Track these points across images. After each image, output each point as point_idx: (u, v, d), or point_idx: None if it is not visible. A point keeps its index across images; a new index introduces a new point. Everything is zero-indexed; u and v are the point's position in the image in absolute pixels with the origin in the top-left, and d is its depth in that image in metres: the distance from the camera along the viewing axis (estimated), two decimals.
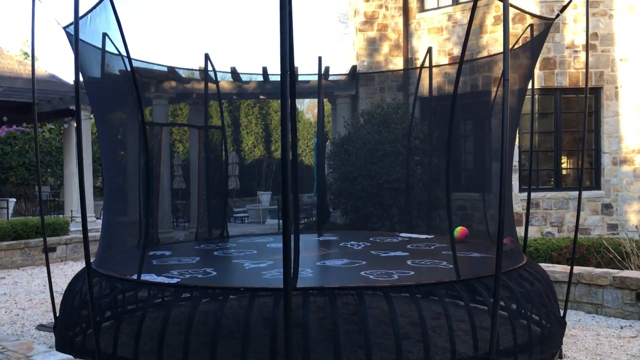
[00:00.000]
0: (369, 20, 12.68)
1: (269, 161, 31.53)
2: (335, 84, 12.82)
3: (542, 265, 7.13)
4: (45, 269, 4.31)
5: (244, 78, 12.56)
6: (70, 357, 3.80)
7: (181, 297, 4.31)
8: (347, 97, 12.84)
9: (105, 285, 4.48)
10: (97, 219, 14.56)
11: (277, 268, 5.02)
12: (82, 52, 5.10)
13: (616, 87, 11.22)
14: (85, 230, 3.75)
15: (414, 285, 4.12)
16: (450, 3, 12.03)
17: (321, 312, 4.74)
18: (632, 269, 7.18)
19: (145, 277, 4.42)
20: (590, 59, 11.17)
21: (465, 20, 11.70)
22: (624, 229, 11.03)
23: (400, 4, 12.47)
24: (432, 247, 6.10)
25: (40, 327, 6.19)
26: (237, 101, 30.33)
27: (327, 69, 12.24)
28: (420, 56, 12.37)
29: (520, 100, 6.30)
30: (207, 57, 7.73)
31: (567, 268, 6.84)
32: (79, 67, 3.85)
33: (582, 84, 11.16)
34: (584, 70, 10.93)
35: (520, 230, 10.82)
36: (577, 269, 6.75)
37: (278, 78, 13.51)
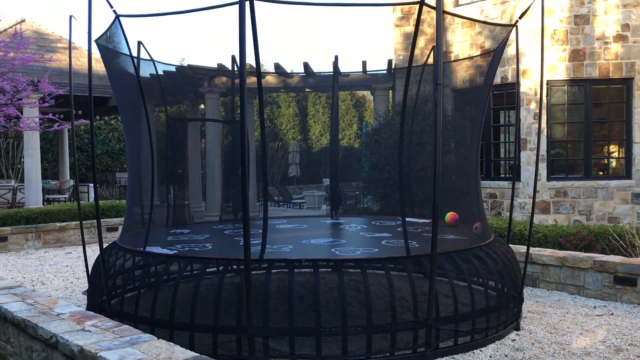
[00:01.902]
0: (406, 15, 13.21)
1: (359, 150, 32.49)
2: (374, 77, 13.45)
3: (538, 249, 7.60)
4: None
5: (287, 72, 13.42)
6: (81, 308, 4.81)
7: (178, 266, 5.22)
8: (384, 89, 13.46)
9: (120, 255, 5.48)
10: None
11: (273, 245, 5.87)
12: (123, 59, 6.13)
13: None
14: (98, 217, 4.71)
15: (363, 259, 4.84)
16: None
17: (284, 281, 5.52)
18: (634, 256, 7.47)
19: (150, 249, 5.37)
20: (621, 49, 11.27)
21: (496, 14, 12.04)
22: None
23: None
24: (419, 230, 6.73)
25: (85, 292, 7.34)
26: (305, 92, 31.28)
27: (364, 63, 12.90)
28: (455, 49, 12.80)
29: (482, 100, 6.77)
30: (233, 58, 8.62)
31: (555, 252, 7.30)
32: (91, 79, 4.79)
33: (612, 75, 11.29)
34: (615, 61, 11.12)
35: (547, 218, 11.20)
36: (563, 253, 7.20)
37: (322, 72, 14.30)
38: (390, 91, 14.14)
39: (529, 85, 11.51)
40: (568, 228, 8.75)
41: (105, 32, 5.68)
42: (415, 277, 5.12)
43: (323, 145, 33.86)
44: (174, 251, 5.33)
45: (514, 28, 6.31)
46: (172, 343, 3.85)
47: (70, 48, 5.70)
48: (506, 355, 4.90)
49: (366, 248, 5.50)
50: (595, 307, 6.40)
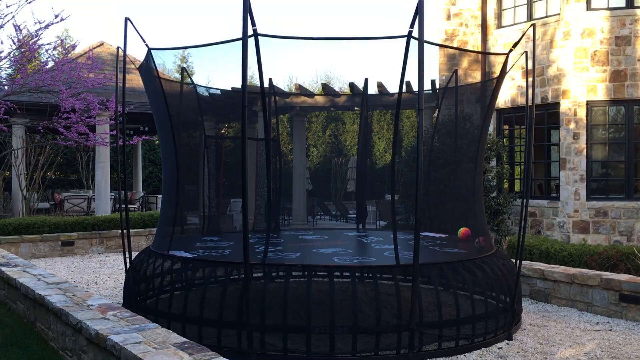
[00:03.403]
0: (449, 37, 13.58)
1: (398, 167, 32.71)
2: (415, 96, 13.86)
3: (551, 266, 7.82)
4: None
5: (329, 92, 14.06)
6: (109, 301, 5.57)
7: (197, 268, 5.91)
8: (428, 109, 13.84)
9: (147, 258, 6.23)
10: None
11: (283, 252, 6.47)
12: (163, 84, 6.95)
13: None
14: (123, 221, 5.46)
15: (353, 267, 5.36)
16: (525, 19, 12.59)
17: (281, 284, 6.06)
18: None
19: (174, 252, 6.10)
20: None
21: (538, 36, 12.21)
22: None
23: (480, 21, 13.25)
24: (428, 243, 7.14)
25: None
26: (387, 110, 31.92)
27: (408, 83, 13.35)
28: (497, 70, 13.03)
29: (487, 117, 7.11)
30: (270, 81, 9.33)
31: (567, 269, 7.51)
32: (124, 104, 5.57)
33: None
34: None
35: (586, 238, 11.25)
36: (573, 270, 7.40)
37: (368, 91, 14.84)
38: (437, 110, 14.48)
39: (568, 106, 11.62)
40: (596, 247, 8.84)
41: (143, 62, 6.50)
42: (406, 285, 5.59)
43: (387, 161, 34.22)
44: (194, 255, 6.02)
45: (511, 55, 6.60)
46: (170, 331, 4.51)
47: (125, 50, 6.30)
48: None
49: (365, 257, 6.00)
50: (597, 323, 6.59)
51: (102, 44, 19.33)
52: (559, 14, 11.86)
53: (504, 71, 7.21)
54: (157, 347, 4.06)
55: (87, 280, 9.25)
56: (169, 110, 6.45)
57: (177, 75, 32.93)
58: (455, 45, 13.58)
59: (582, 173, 11.51)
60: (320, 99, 14.37)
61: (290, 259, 5.91)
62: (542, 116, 12.30)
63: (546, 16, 12.22)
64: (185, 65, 33.81)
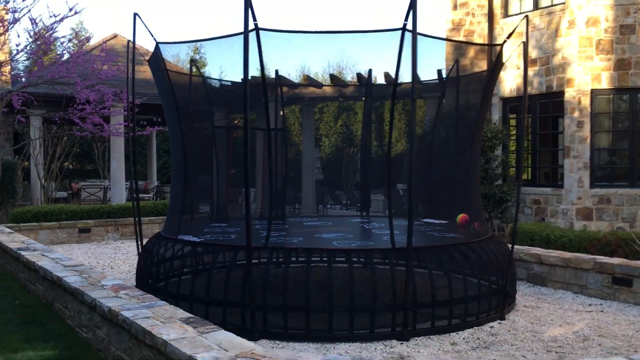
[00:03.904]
0: (456, 27, 13.74)
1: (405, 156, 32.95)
2: (425, 86, 14.06)
3: (548, 251, 8.06)
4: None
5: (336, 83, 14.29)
6: (121, 282, 5.92)
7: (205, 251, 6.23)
8: (435, 98, 14.02)
9: (157, 243, 6.57)
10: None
11: (286, 237, 6.78)
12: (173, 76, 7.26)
13: None
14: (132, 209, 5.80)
15: (350, 250, 5.65)
16: (531, 8, 12.71)
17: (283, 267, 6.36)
18: None
19: (183, 237, 6.42)
20: None
21: (543, 25, 12.35)
22: None
23: (486, 10, 13.40)
24: (427, 229, 7.41)
25: None
26: (397, 100, 32.01)
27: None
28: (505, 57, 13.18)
29: (482, 109, 7.31)
30: (276, 72, 9.60)
31: (563, 254, 7.74)
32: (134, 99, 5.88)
33: None
34: None
35: (590, 225, 11.45)
36: (569, 255, 7.63)
37: (375, 81, 15.05)
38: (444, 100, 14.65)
39: (572, 94, 11.76)
40: (596, 234, 9.04)
41: (152, 55, 6.81)
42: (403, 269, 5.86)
43: (398, 151, 34.36)
44: (201, 239, 6.34)
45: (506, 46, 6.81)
46: (177, 308, 4.84)
47: (134, 44, 6.65)
48: (478, 339, 5.53)
49: (364, 242, 6.29)
50: (590, 304, 6.83)
51: (115, 36, 19.68)
52: (564, 3, 11.98)
53: (499, 62, 7.40)
54: (164, 322, 4.39)
55: (102, 265, 9.63)
56: (177, 101, 6.77)
57: (189, 66, 33.25)
58: (461, 34, 13.75)
59: (585, 161, 11.67)
60: (328, 90, 14.61)
61: (291, 243, 6.21)
62: (547, 105, 12.45)
63: (552, 5, 12.35)
64: (198, 57, 34.18)
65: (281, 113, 16.28)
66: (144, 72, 17.52)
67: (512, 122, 14.84)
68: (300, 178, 15.21)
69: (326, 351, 5.15)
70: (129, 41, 6.96)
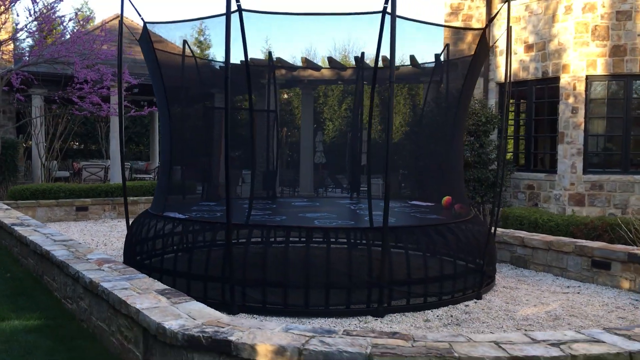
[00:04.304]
0: (455, 11, 13.75)
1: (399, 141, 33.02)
2: (423, 70, 14.09)
3: (531, 234, 8.16)
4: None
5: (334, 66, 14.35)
6: (106, 256, 6.08)
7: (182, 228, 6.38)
8: (433, 82, 14.06)
9: (148, 219, 6.72)
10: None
11: (271, 216, 6.91)
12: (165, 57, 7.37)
13: None
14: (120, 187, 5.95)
15: (328, 228, 5.78)
16: None
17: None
18: (638, 245, 7.80)
19: (169, 214, 6.57)
20: None
21: (540, 10, 12.34)
22: None
23: None
24: (412, 211, 7.53)
25: None
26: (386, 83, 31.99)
27: (412, 57, 13.60)
28: (499, 44, 13.20)
29: (465, 93, 7.38)
30: (270, 54, 9.67)
31: (545, 237, 7.85)
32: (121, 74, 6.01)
33: None
34: None
35: (581, 210, 11.54)
36: (551, 238, 7.74)
37: (372, 64, 15.09)
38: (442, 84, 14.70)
39: (567, 80, 11.79)
40: (584, 219, 9.12)
41: (142, 34, 6.92)
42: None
43: (400, 135, 34.38)
44: (186, 216, 6.49)
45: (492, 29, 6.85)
46: (155, 280, 5.00)
47: (121, 25, 6.75)
48: (452, 316, 5.67)
49: (345, 221, 6.42)
50: (568, 287, 6.95)
51: (118, 17, 19.77)
52: None
53: (483, 47, 7.46)
54: (140, 293, 4.54)
55: (97, 242, 9.82)
56: (164, 80, 6.88)
57: (195, 48, 33.32)
58: (460, 19, 13.76)
59: (579, 147, 11.73)
60: (326, 73, 14.67)
61: (272, 221, 6.35)
62: (543, 90, 12.48)
63: None
64: (203, 39, 34.22)
65: (273, 96, 16.37)
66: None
67: (512, 107, 14.89)
68: (299, 161, 15.32)
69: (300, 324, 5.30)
70: (120, 21, 7.06)
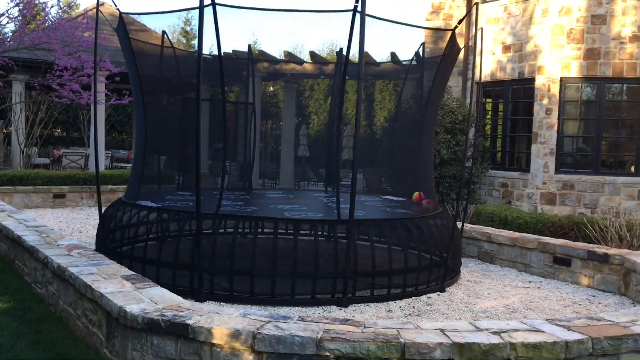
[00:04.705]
0: (436, 10, 13.92)
1: (379, 137, 33.24)
2: (404, 67, 14.26)
3: (498, 230, 8.37)
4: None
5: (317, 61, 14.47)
6: (77, 242, 6.17)
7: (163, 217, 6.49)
8: (413, 80, 14.24)
9: (120, 207, 6.82)
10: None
11: (243, 207, 7.04)
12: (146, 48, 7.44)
13: None
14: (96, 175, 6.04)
15: (296, 219, 5.92)
16: None
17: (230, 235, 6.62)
18: (602, 244, 8.00)
19: (141, 202, 6.67)
20: (636, 50, 11.53)
21: (518, 12, 12.55)
22: None
23: None
24: (379, 204, 7.69)
25: None
26: (373, 79, 32.14)
27: (393, 54, 13.76)
28: (477, 43, 13.40)
29: (434, 92, 7.54)
30: (249, 48, 9.78)
31: (511, 234, 8.06)
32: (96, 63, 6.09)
33: (626, 74, 11.60)
34: (629, 61, 11.49)
35: (552, 209, 11.77)
36: (516, 235, 7.95)
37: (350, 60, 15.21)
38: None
39: (542, 81, 12.01)
40: (552, 217, 9.35)
41: (119, 24, 7.00)
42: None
43: (380, 132, 34.57)
44: (159, 205, 6.60)
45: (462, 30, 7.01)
46: (122, 266, 5.12)
47: (97, 14, 6.84)
48: (414, 307, 5.85)
49: (315, 213, 6.56)
50: (530, 282, 7.16)
51: (102, 4, 19.67)
52: None
53: (452, 47, 7.62)
54: (106, 278, 4.66)
55: (72, 229, 9.88)
56: (139, 70, 6.97)
57: (181, 38, 33.24)
58: (441, 18, 13.93)
59: (552, 147, 11.96)
60: (309, 67, 14.80)
61: (244, 212, 6.48)
62: (519, 91, 12.70)
63: None
64: (189, 28, 34.13)
65: (254, 88, 16.45)
66: None
67: (489, 106, 15.13)
68: (279, 153, 15.45)
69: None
70: (97, 10, 7.13)
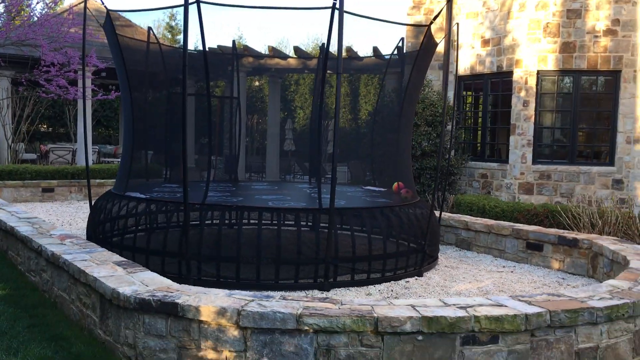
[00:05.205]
0: (417, 5, 14.22)
1: (363, 130, 33.55)
2: (385, 62, 14.54)
3: (475, 218, 8.70)
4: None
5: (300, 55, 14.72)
6: (69, 232, 6.41)
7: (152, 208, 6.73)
8: (394, 74, 14.54)
9: (110, 198, 7.06)
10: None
11: (228, 197, 7.31)
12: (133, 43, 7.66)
13: (634, 71, 11.88)
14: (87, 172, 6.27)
15: (280, 209, 6.19)
16: None
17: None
18: (574, 230, 8.34)
19: (130, 193, 6.91)
20: (610, 43, 11.92)
21: (497, 6, 12.87)
22: (634, 204, 11.82)
23: None
24: (360, 195, 7.98)
25: None
26: (356, 73, 32.39)
27: (375, 48, 14.04)
28: (456, 38, 13.71)
29: (412, 86, 7.82)
30: (233, 43, 10.01)
31: (487, 221, 8.39)
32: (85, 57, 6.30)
33: (600, 67, 11.97)
34: (604, 54, 11.85)
35: (530, 199, 12.13)
36: (492, 222, 8.28)
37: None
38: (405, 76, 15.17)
39: (520, 74, 12.35)
40: (528, 206, 9.69)
41: (106, 20, 7.21)
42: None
43: (363, 125, 34.88)
44: (147, 196, 6.84)
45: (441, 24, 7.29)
46: (114, 253, 5.37)
47: (85, 9, 7.06)
48: (392, 290, 6.15)
49: (298, 203, 6.84)
50: (504, 267, 7.50)
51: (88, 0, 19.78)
52: None
53: (429, 41, 7.90)
54: (98, 264, 4.91)
55: (62, 222, 10.08)
56: (126, 65, 7.20)
57: (167, 33, 33.30)
58: (422, 13, 14.23)
59: (529, 138, 12.32)
60: (293, 62, 15.03)
61: (229, 202, 6.74)
62: (498, 84, 13.03)
63: None
64: (174, 23, 34.17)
65: (238, 83, 16.65)
66: None
67: (469, 99, 15.45)
68: (265, 148, 15.70)
69: None
70: (84, 6, 7.34)
